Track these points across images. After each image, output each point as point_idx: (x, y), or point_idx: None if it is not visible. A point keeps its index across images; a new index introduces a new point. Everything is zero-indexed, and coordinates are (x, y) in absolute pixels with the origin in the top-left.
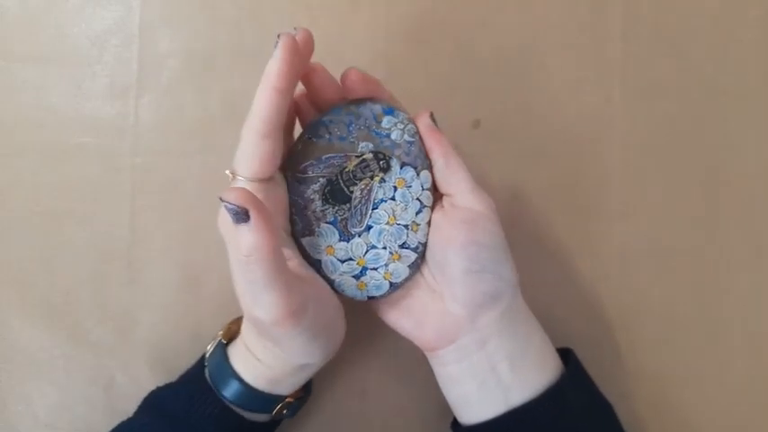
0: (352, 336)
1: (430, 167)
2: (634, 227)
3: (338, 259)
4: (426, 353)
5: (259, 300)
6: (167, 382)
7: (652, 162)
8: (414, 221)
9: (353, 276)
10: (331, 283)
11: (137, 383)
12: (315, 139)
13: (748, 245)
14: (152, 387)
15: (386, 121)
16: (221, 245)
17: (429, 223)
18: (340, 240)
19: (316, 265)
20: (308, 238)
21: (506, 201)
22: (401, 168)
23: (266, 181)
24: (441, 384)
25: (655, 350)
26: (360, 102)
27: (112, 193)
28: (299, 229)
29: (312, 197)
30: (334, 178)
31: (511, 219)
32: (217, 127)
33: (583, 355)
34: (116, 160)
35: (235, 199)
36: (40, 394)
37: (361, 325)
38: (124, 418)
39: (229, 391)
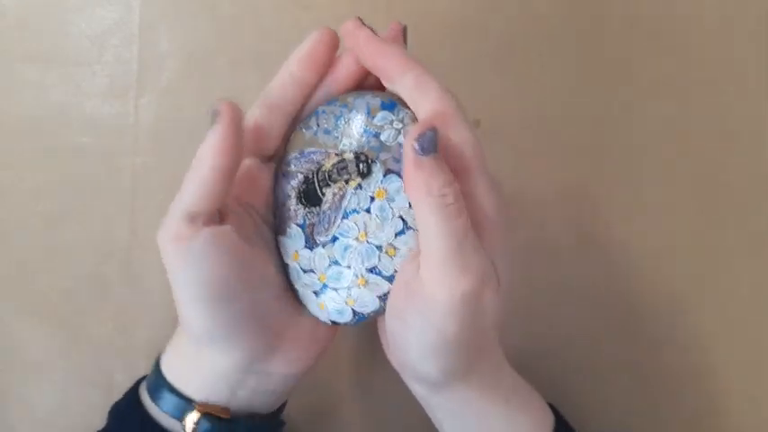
0: (353, 334)
1: None
2: (634, 227)
3: (301, 268)
4: None
5: (179, 198)
6: None
7: (652, 162)
8: (390, 244)
9: (314, 292)
10: (296, 292)
11: None
12: (304, 130)
13: (748, 245)
14: None
15: (380, 117)
16: None
17: (412, 250)
18: (305, 247)
19: (285, 269)
20: (281, 238)
21: (506, 201)
22: (384, 176)
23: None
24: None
25: (655, 350)
26: (360, 92)
27: (112, 193)
28: (276, 225)
29: (290, 193)
30: (310, 176)
31: (510, 219)
32: None
33: (582, 355)
34: (116, 160)
35: (219, 103)
36: (40, 394)
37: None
38: None
39: (153, 389)
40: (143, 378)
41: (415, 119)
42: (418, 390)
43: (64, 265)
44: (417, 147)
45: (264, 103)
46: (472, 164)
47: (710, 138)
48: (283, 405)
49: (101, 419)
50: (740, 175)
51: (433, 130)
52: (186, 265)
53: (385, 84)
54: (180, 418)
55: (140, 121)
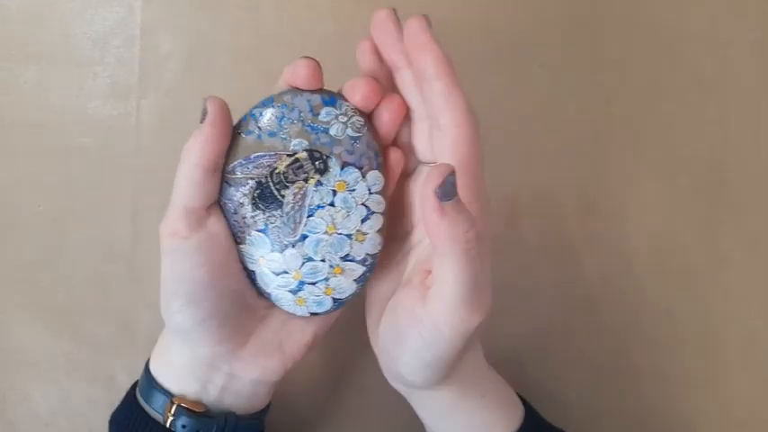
0: (352, 332)
1: (380, 166)
2: (634, 227)
3: (272, 271)
4: None
5: (173, 195)
6: None
7: (651, 162)
8: (359, 230)
9: (290, 291)
10: (268, 296)
11: None
12: (243, 135)
13: (748, 244)
14: None
15: (324, 114)
16: None
17: (381, 231)
18: (272, 251)
19: (251, 276)
20: (240, 247)
21: (506, 201)
22: (342, 169)
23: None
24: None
25: (655, 350)
26: (296, 91)
27: (114, 194)
28: (233, 234)
29: (242, 201)
30: (264, 180)
31: (511, 219)
32: None
33: (582, 355)
34: (117, 161)
35: (210, 102)
36: (41, 393)
37: (360, 321)
38: None
39: (143, 388)
40: (136, 384)
41: (356, 110)
42: (399, 387)
43: (65, 265)
44: (440, 193)
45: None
46: (475, 209)
47: (710, 138)
48: (264, 411)
49: (102, 419)
50: (740, 175)
51: (453, 174)
52: (173, 260)
53: (397, 74)
54: (162, 412)
55: (142, 121)
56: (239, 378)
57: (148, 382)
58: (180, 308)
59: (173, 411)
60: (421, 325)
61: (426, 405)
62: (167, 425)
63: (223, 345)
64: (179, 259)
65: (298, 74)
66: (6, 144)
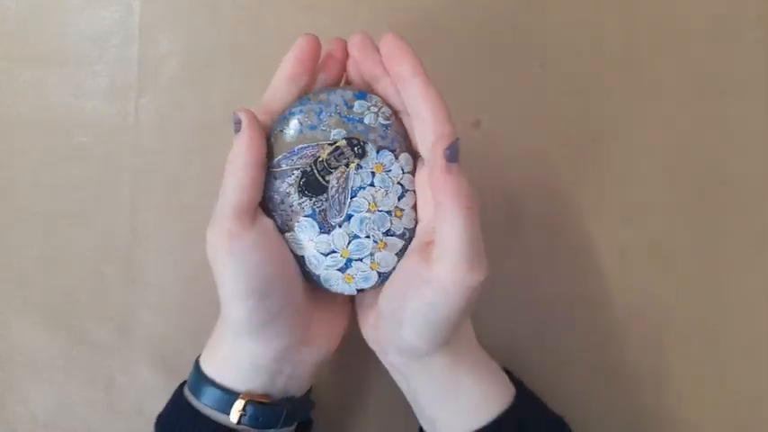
0: (352, 333)
1: (409, 149)
2: (634, 227)
3: (321, 253)
4: None
5: (224, 198)
6: (167, 382)
7: (652, 162)
8: (396, 207)
9: (339, 269)
10: (317, 278)
11: (136, 383)
12: (285, 131)
13: (749, 244)
14: (152, 387)
15: (357, 106)
16: None
17: (415, 208)
18: (320, 233)
19: (300, 261)
20: (288, 234)
21: (506, 201)
22: (378, 153)
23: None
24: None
25: (655, 350)
26: (330, 89)
27: (112, 193)
28: (278, 225)
29: (288, 191)
30: (309, 169)
31: (511, 219)
32: (217, 127)
33: (582, 354)
34: (116, 160)
35: (240, 112)
36: (40, 394)
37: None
38: (124, 418)
39: (195, 387)
40: (182, 384)
41: (383, 102)
42: (397, 360)
43: (64, 265)
44: (448, 154)
45: (266, 111)
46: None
47: (710, 137)
48: (311, 388)
49: (101, 419)
50: (740, 175)
51: (458, 140)
52: (236, 260)
53: (378, 84)
54: (224, 409)
55: (141, 121)
56: (305, 363)
57: (205, 383)
58: (254, 306)
59: (243, 408)
60: (427, 286)
61: (418, 377)
62: (238, 422)
63: (296, 334)
64: (241, 259)
65: (304, 50)
66: (5, 143)
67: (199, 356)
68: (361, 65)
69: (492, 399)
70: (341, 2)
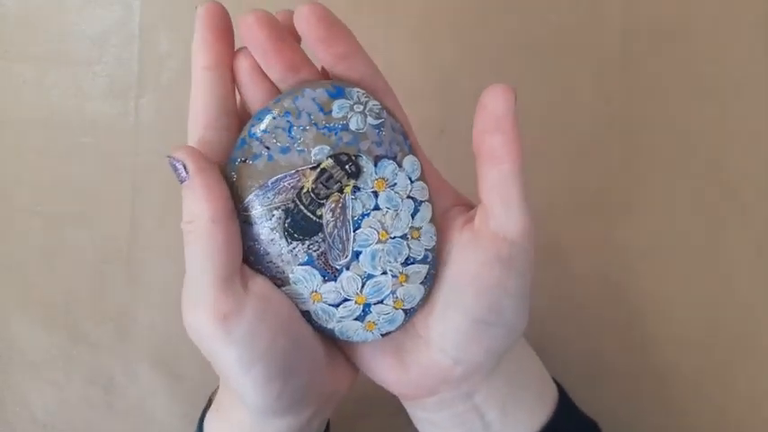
0: None
1: (411, 147)
2: (634, 227)
3: (330, 305)
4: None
5: (197, 271)
6: (166, 382)
7: (652, 162)
8: (412, 227)
9: (356, 319)
10: (331, 332)
11: (136, 384)
12: (250, 161)
13: (749, 244)
14: (151, 387)
15: (336, 108)
16: None
17: (433, 220)
18: (325, 281)
19: (305, 316)
20: (284, 290)
21: None
22: (376, 165)
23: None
24: (418, 426)
25: (656, 350)
26: (292, 92)
27: (113, 194)
28: (270, 279)
29: (272, 237)
30: (292, 206)
31: None
32: None
33: (583, 354)
34: (116, 160)
35: (178, 152)
36: (39, 394)
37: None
38: (122, 418)
39: None
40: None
41: (367, 94)
42: (455, 371)
43: (64, 265)
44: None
45: (200, 125)
46: None
47: (711, 137)
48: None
49: (100, 420)
50: (741, 175)
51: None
52: (241, 347)
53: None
54: None
55: (141, 121)
56: (324, 413)
57: None
58: (279, 392)
59: None
60: (495, 242)
61: (482, 393)
62: None
63: (326, 393)
64: (248, 343)
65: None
66: (4, 143)
67: (204, 413)
68: (323, 45)
69: (547, 394)
70: (340, 1)
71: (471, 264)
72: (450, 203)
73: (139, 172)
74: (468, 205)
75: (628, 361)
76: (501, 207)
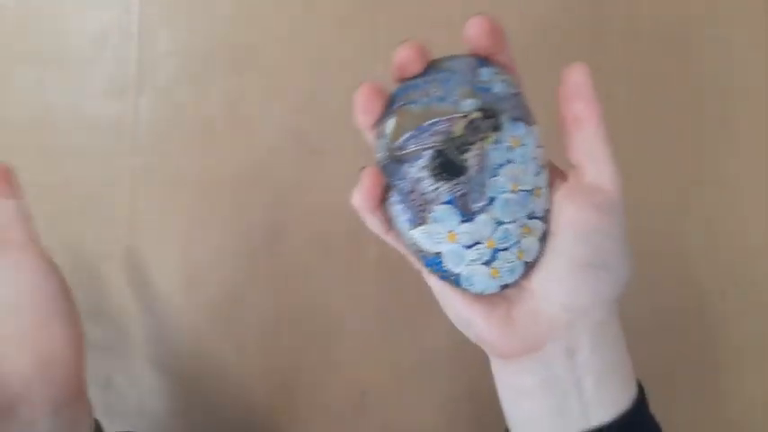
0: (353, 336)
1: (535, 122)
2: (635, 227)
3: (464, 246)
4: (496, 360)
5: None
6: (165, 382)
7: (653, 161)
8: (535, 185)
9: (484, 263)
10: (456, 278)
11: (135, 384)
12: (410, 105)
13: (750, 244)
14: (150, 387)
15: (485, 74)
16: (221, 244)
17: (549, 186)
18: (462, 222)
19: (435, 260)
20: (420, 229)
21: None
22: (512, 125)
23: None
24: (504, 396)
25: (656, 350)
26: (451, 57)
27: (111, 193)
28: (406, 219)
29: (419, 176)
30: (443, 147)
31: None
32: (216, 126)
33: None
34: (115, 160)
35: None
36: None
37: (361, 324)
38: (122, 418)
39: None
40: None
41: (504, 70)
42: (562, 318)
43: (63, 265)
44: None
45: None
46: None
47: (712, 137)
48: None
49: (100, 419)
50: (742, 175)
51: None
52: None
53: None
54: None
55: (139, 120)
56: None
57: None
58: None
59: None
60: (591, 193)
61: (586, 349)
62: None
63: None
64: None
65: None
66: (3, 143)
67: None
68: (487, 51)
69: (632, 380)
70: (341, 1)
71: (570, 212)
72: (557, 171)
73: (138, 171)
74: (564, 175)
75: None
76: (591, 164)
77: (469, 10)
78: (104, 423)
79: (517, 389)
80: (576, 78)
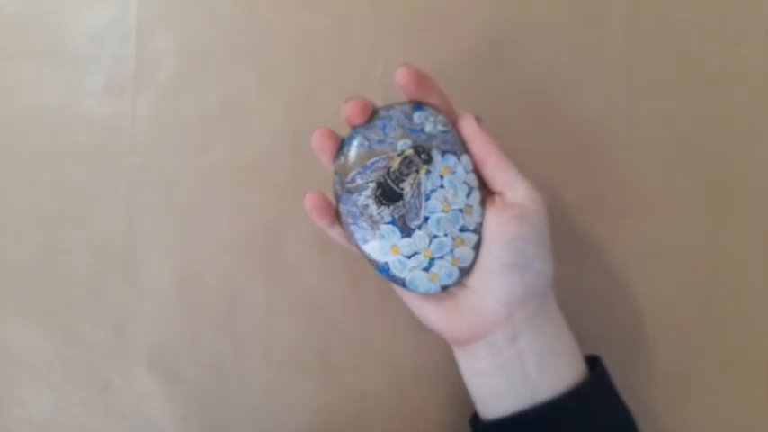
0: (352, 336)
1: (466, 151)
2: (637, 227)
3: (405, 256)
4: (454, 347)
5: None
6: (163, 383)
7: (655, 162)
8: (466, 204)
9: (423, 269)
10: (402, 282)
11: (134, 385)
12: (357, 149)
13: (751, 244)
14: (149, 389)
15: (417, 117)
16: (220, 244)
17: (481, 203)
18: (402, 237)
19: (384, 268)
20: (370, 244)
21: None
22: (442, 157)
23: None
24: (466, 378)
25: (657, 350)
26: (388, 107)
27: (110, 193)
28: (359, 237)
29: (366, 203)
30: (383, 180)
31: None
32: (214, 125)
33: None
34: (113, 159)
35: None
36: (36, 396)
37: (360, 325)
38: (120, 420)
39: None
40: None
41: (437, 111)
42: (501, 311)
43: (61, 266)
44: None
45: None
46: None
47: (713, 137)
48: None
49: (98, 421)
50: (743, 175)
51: (478, 117)
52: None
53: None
54: None
55: (138, 119)
56: None
57: None
58: None
59: None
60: (515, 220)
61: (525, 336)
62: None
63: None
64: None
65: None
66: (1, 142)
67: None
68: (417, 93)
69: (579, 361)
70: (339, 1)
71: (495, 224)
72: (490, 194)
73: (136, 171)
74: (494, 197)
75: (626, 361)
76: (506, 188)
77: (469, 8)
78: (102, 425)
79: (474, 371)
80: (467, 130)
